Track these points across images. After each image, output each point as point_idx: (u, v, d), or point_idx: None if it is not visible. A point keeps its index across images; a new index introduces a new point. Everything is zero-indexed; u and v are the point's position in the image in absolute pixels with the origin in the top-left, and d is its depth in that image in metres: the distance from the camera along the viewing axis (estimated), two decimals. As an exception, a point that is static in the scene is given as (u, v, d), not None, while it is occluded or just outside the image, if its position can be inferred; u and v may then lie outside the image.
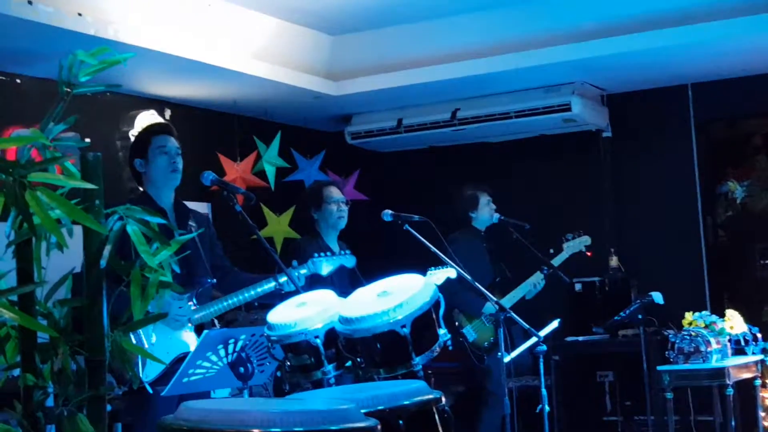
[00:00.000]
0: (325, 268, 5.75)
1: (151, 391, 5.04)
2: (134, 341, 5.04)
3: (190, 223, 5.47)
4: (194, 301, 5.36)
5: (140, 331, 5.07)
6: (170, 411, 3.21)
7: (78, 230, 2.96)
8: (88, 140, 7.59)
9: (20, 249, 2.92)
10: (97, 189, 2.97)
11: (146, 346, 5.12)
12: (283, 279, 5.44)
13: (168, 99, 8.95)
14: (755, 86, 9.32)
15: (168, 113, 8.95)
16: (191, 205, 5.79)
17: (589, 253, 9.00)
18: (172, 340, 5.24)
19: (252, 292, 5.48)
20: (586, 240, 8.26)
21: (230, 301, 5.45)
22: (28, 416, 2.90)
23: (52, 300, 3.04)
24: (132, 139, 7.69)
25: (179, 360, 4.94)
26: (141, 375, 5.06)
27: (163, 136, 5.52)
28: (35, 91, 7.62)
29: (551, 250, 8.70)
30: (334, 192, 6.93)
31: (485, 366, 7.85)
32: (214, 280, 5.45)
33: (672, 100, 9.72)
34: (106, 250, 2.99)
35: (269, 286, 5.48)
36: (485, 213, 8.08)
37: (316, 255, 5.73)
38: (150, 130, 5.68)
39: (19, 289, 2.89)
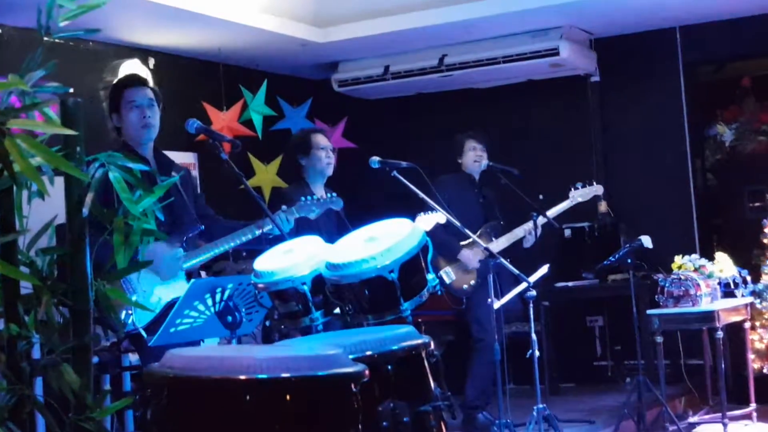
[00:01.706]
0: (312, 210, 5.71)
1: (146, 336, 5.03)
2: (126, 289, 5.02)
3: (173, 173, 5.41)
4: (184, 246, 5.34)
5: (130, 278, 5.06)
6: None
7: (60, 178, 2.92)
8: (71, 90, 7.51)
9: (1, 198, 2.88)
10: (78, 135, 2.93)
11: (134, 292, 5.09)
12: (268, 226, 5.40)
13: (152, 48, 8.87)
14: (743, 28, 9.27)
15: (152, 62, 8.89)
16: (178, 155, 5.74)
17: (602, 205, 9.00)
18: (163, 287, 5.22)
19: (239, 240, 5.44)
20: (597, 189, 8.10)
21: (218, 249, 5.43)
22: (12, 367, 2.87)
23: (35, 249, 3.01)
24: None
25: (171, 306, 4.91)
26: (135, 320, 5.04)
27: (133, 89, 5.40)
28: (16, 41, 7.54)
29: (540, 196, 8.68)
30: (322, 139, 6.89)
31: (468, 312, 7.81)
32: (202, 227, 5.42)
33: (660, 43, 9.67)
34: (89, 198, 2.96)
35: (256, 232, 5.45)
36: (469, 159, 8.00)
37: (303, 198, 5.67)
38: (120, 84, 5.56)
39: (0, 238, 2.86)
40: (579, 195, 8.01)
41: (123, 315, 4.95)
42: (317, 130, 7.36)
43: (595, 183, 8.09)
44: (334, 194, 6.04)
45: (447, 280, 7.70)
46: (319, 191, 6.73)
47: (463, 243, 7.62)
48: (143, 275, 5.09)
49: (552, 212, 7.81)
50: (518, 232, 7.79)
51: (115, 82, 5.91)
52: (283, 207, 5.56)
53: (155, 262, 5.02)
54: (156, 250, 5.06)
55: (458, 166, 8.06)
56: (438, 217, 6.62)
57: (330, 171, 6.81)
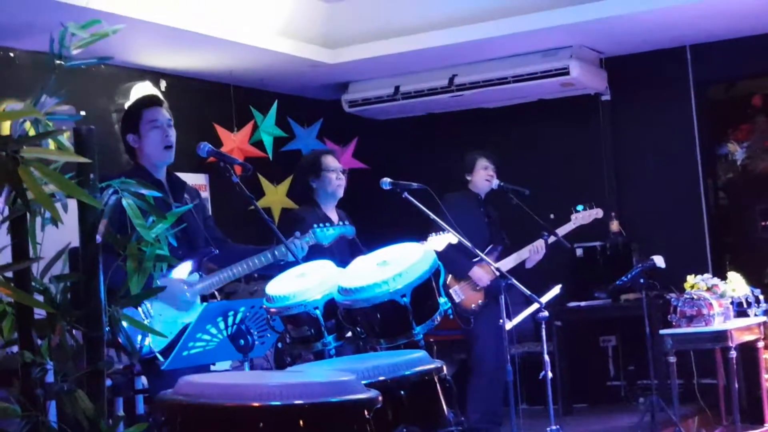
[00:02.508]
0: (326, 238, 5.71)
1: (162, 359, 5.02)
2: (141, 313, 5.01)
3: (185, 195, 5.40)
4: (199, 272, 5.32)
5: (144, 303, 5.05)
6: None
7: (73, 204, 2.93)
8: (83, 113, 7.55)
9: (15, 225, 2.89)
10: (91, 162, 2.94)
11: (151, 317, 5.08)
12: (281, 250, 5.40)
13: (163, 70, 8.90)
14: (753, 47, 9.26)
15: (163, 84, 8.91)
16: (189, 176, 5.73)
17: (614, 224, 8.98)
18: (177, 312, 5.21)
19: (251, 264, 5.43)
20: (597, 213, 8.12)
21: (230, 273, 5.40)
22: (26, 393, 2.88)
23: (49, 275, 3.01)
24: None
25: (185, 330, 4.91)
26: (151, 344, 5.03)
27: (154, 109, 5.38)
28: (30, 65, 7.55)
29: (552, 215, 8.67)
30: (332, 161, 6.88)
31: (471, 331, 7.78)
32: (217, 251, 5.40)
33: (671, 62, 9.66)
34: (102, 225, 2.96)
35: (270, 257, 5.44)
36: (480, 177, 7.99)
37: (315, 226, 5.68)
38: (140, 104, 5.54)
39: (14, 266, 2.86)
40: (580, 218, 8.03)
41: (138, 338, 4.94)
42: (328, 151, 7.36)
43: (594, 206, 8.09)
44: (347, 222, 6.03)
45: (456, 299, 7.70)
46: (331, 213, 6.73)
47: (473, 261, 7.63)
48: (158, 303, 5.09)
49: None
50: (524, 253, 7.78)
51: (133, 102, 5.89)
52: (296, 233, 5.54)
53: (170, 298, 5.04)
54: (170, 285, 5.06)
55: (465, 183, 8.05)
56: (449, 237, 6.61)
57: (341, 193, 6.79)
